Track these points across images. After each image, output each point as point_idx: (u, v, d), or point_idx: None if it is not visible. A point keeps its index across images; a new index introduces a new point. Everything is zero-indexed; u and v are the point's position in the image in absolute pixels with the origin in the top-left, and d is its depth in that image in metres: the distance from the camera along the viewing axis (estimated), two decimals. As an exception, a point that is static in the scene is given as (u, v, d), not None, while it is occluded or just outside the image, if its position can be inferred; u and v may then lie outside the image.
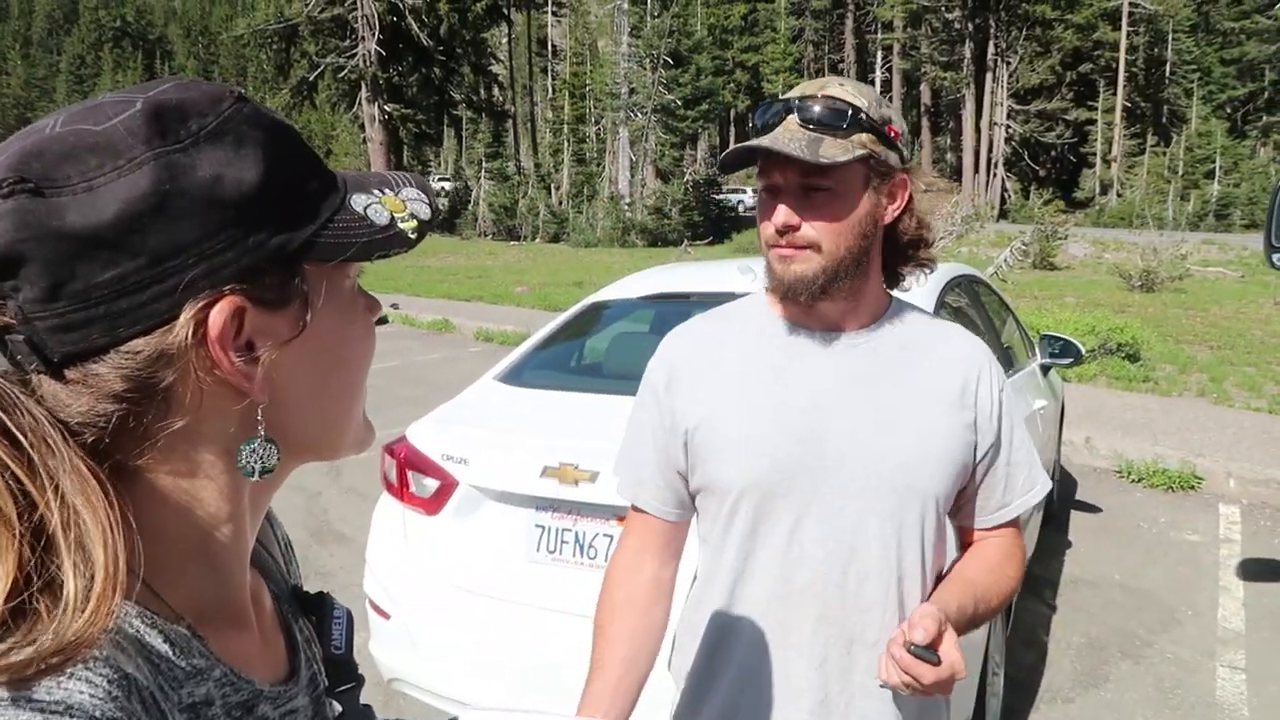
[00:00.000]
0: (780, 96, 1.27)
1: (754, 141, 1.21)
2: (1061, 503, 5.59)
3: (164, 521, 0.55)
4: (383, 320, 0.69)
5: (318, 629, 0.74)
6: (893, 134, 1.24)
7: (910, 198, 1.29)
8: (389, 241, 0.59)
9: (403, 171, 0.66)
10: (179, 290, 0.50)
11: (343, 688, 0.73)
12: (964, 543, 1.43)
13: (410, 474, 2.75)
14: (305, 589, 0.78)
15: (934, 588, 1.31)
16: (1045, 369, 4.72)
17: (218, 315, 0.51)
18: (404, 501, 2.78)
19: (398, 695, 3.00)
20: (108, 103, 0.53)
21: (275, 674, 0.65)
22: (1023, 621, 4.00)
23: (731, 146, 1.27)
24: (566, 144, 44.38)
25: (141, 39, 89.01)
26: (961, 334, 1.41)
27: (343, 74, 38.95)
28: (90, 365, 0.50)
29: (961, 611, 1.22)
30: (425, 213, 0.62)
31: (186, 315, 0.51)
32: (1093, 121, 47.29)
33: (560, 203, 39.92)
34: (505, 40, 53.16)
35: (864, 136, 1.21)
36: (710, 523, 1.34)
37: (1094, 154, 47.64)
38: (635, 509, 1.41)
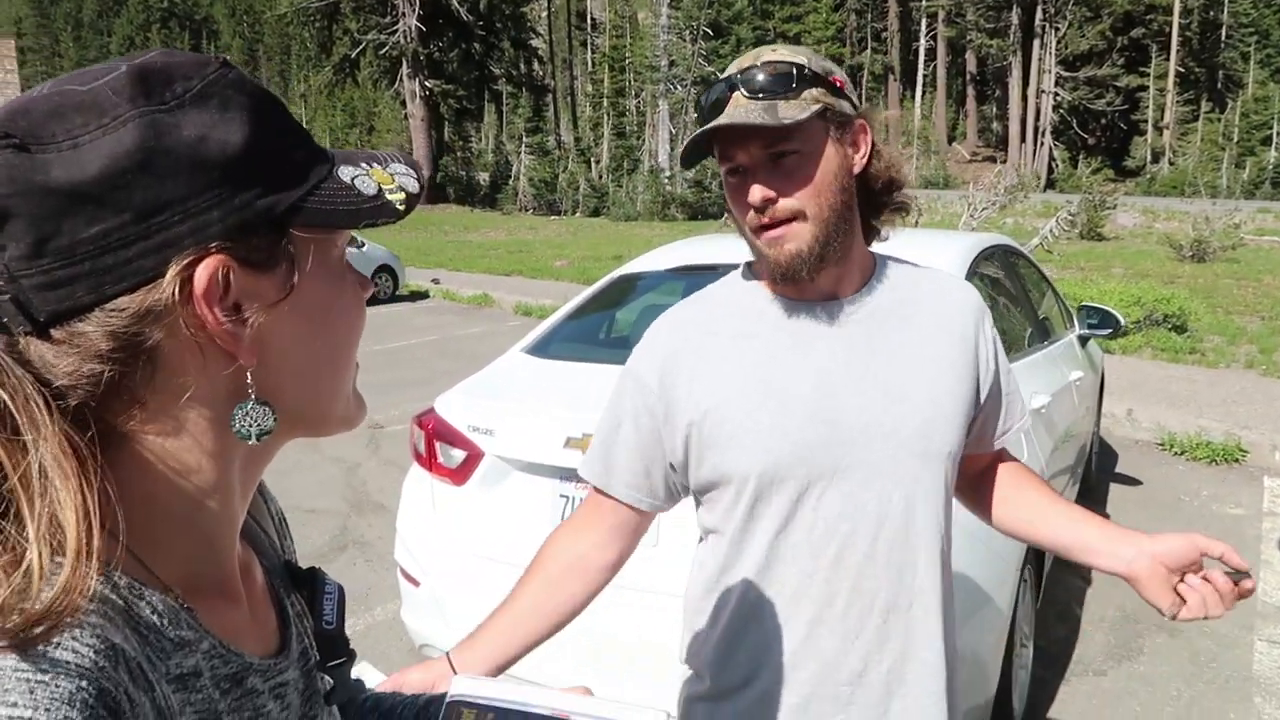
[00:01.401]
0: (720, 78, 1.24)
1: (711, 124, 1.18)
2: (1100, 474, 5.51)
3: (153, 489, 0.56)
4: (375, 299, 0.69)
5: (309, 604, 0.75)
6: (838, 84, 1.23)
7: (873, 143, 1.27)
8: (376, 211, 0.60)
9: (389, 150, 0.67)
10: (165, 247, 0.51)
11: (334, 662, 0.74)
12: (964, 472, 1.42)
13: (438, 445, 2.80)
14: (297, 563, 0.79)
15: (949, 547, 1.32)
16: (1084, 340, 4.65)
17: (203, 272, 0.52)
18: (432, 472, 2.82)
19: (428, 662, 3.06)
20: (96, 69, 0.54)
21: (266, 647, 0.66)
22: (1055, 594, 3.97)
23: (688, 139, 1.24)
24: (606, 117, 44.20)
25: (188, 19, 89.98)
26: (952, 281, 1.40)
27: (384, 51, 39.15)
28: (76, 324, 0.51)
29: None
30: (412, 186, 0.63)
31: (172, 272, 0.51)
32: (1144, 88, 46.05)
33: (600, 176, 39.85)
34: (545, 14, 52.97)
35: (814, 91, 1.19)
36: (724, 512, 1.29)
37: (1145, 121, 46.42)
38: (598, 490, 1.39)
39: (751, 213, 1.20)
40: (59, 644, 0.44)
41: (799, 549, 1.25)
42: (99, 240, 0.50)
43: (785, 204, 1.19)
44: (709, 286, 1.41)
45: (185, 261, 0.51)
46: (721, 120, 1.17)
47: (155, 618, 0.53)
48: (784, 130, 1.17)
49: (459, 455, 2.75)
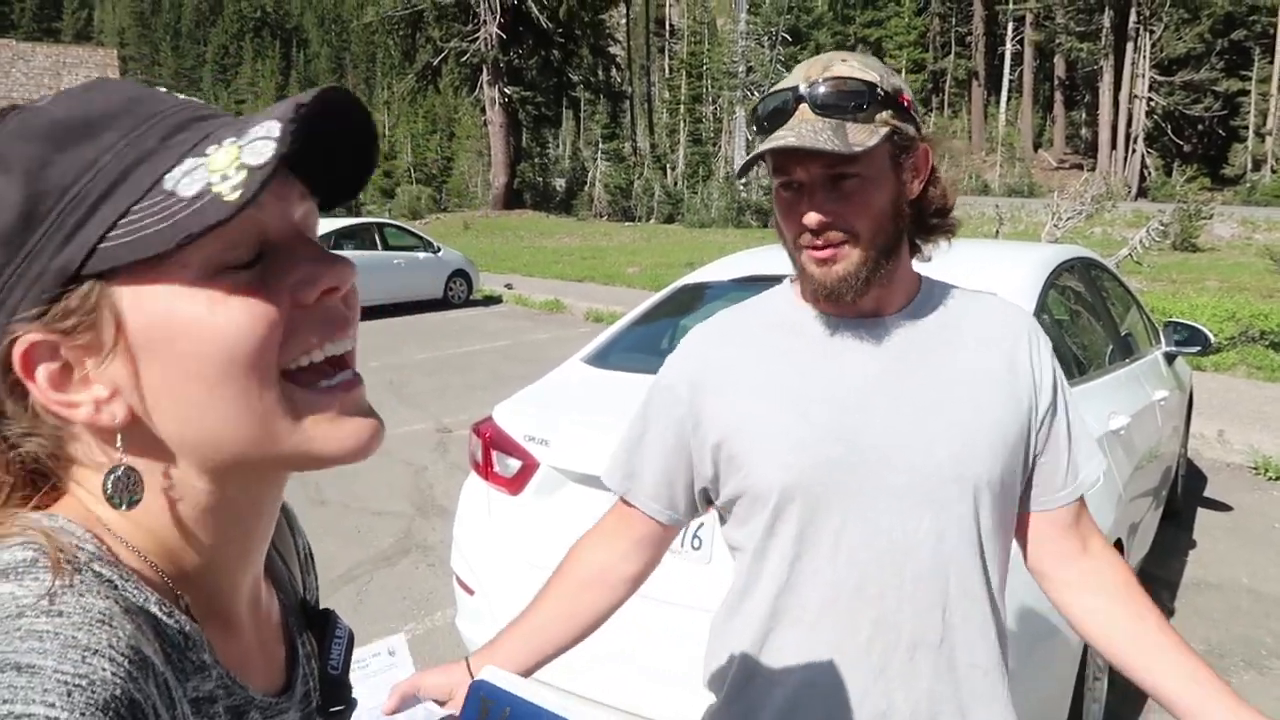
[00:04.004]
0: (781, 86, 1.18)
1: (778, 142, 1.13)
2: (1187, 498, 5.27)
3: (141, 517, 0.56)
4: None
5: (318, 646, 0.74)
6: (906, 104, 1.17)
7: (933, 167, 1.22)
8: (197, 218, 0.48)
9: (289, 100, 0.52)
10: None
11: (334, 709, 0.73)
12: (1028, 530, 1.31)
13: (495, 454, 2.80)
14: (313, 604, 0.78)
15: (993, 582, 1.23)
16: (1170, 358, 4.45)
17: (18, 356, 0.51)
18: (488, 480, 2.82)
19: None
20: None
21: (271, 684, 0.65)
22: (1135, 624, 3.79)
23: (751, 153, 1.19)
24: (683, 124, 44.24)
25: (279, 29, 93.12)
26: (1001, 303, 1.33)
27: (465, 58, 39.80)
28: None
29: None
30: (265, 154, 0.49)
31: None
32: (1245, 92, 44.24)
33: (675, 183, 39.89)
34: (624, 20, 53.31)
35: (884, 114, 1.14)
36: (747, 530, 1.26)
37: (1246, 127, 44.57)
38: (623, 501, 1.37)
39: (804, 233, 1.16)
40: (96, 650, 0.45)
41: (820, 575, 1.21)
42: None
43: (840, 226, 1.15)
44: (750, 299, 1.37)
45: (4, 346, 0.51)
46: (789, 141, 1.12)
47: (180, 638, 0.54)
48: (852, 156, 1.12)
49: (515, 464, 2.74)
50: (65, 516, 0.54)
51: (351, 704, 0.74)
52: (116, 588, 0.51)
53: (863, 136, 1.11)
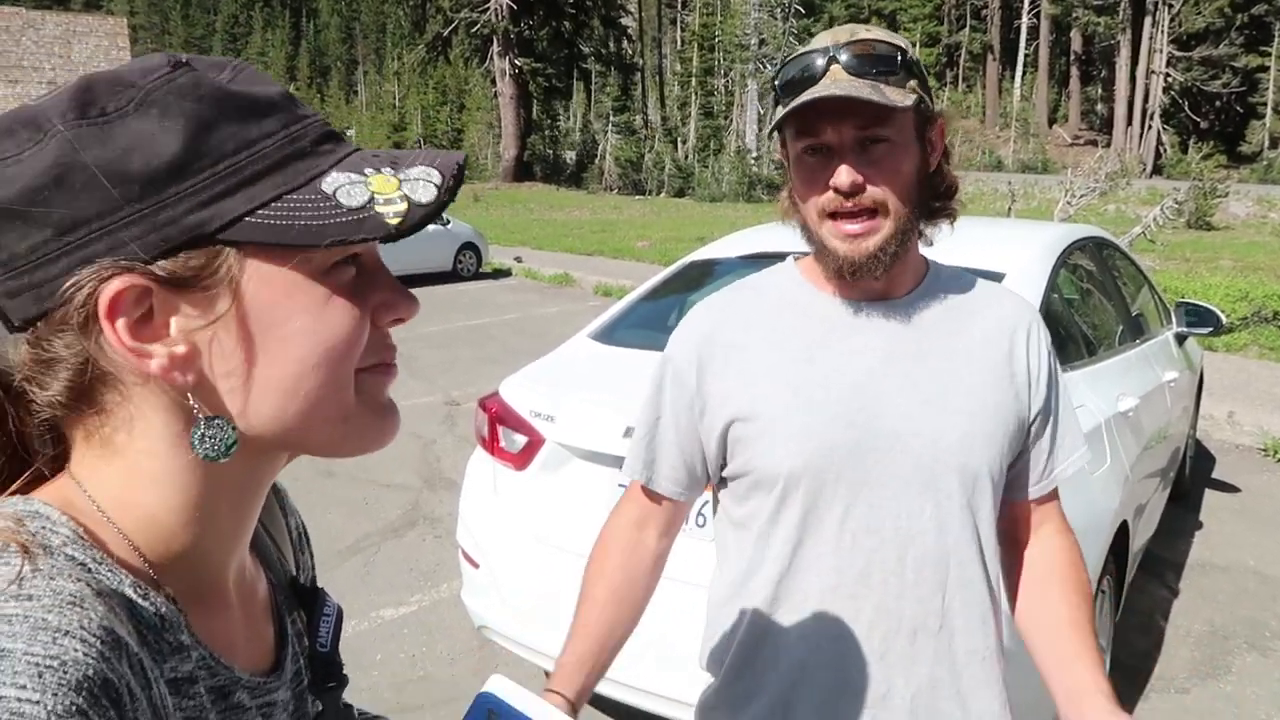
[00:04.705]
0: (808, 49, 1.16)
1: (821, 93, 1.09)
2: (1195, 480, 5.26)
3: (140, 496, 0.56)
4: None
5: (308, 624, 0.74)
6: (925, 77, 1.18)
7: (946, 145, 1.22)
8: (354, 226, 0.53)
9: (431, 149, 0.60)
10: (82, 264, 0.51)
11: (326, 686, 0.73)
12: (1007, 516, 1.32)
13: (500, 429, 2.80)
14: (306, 583, 0.78)
15: (990, 569, 1.23)
16: (1181, 338, 4.42)
17: (108, 291, 0.51)
18: (494, 455, 2.83)
19: (488, 643, 3.09)
20: (64, 84, 0.54)
21: (259, 663, 0.65)
22: (1138, 605, 3.80)
23: (779, 114, 1.16)
24: (694, 97, 43.92)
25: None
26: (1006, 294, 1.32)
27: (475, 29, 39.53)
28: (40, 331, 0.53)
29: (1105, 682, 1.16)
30: (424, 195, 0.55)
31: (76, 287, 0.51)
32: (1265, 68, 43.62)
33: (686, 157, 39.66)
34: (635, -8, 52.78)
35: (913, 81, 1.13)
36: (752, 510, 1.26)
37: (1264, 104, 43.99)
38: (644, 488, 1.36)
39: (829, 195, 1.13)
40: (68, 631, 0.45)
41: (823, 560, 1.21)
42: (29, 256, 0.51)
43: (872, 192, 1.12)
44: (752, 276, 1.35)
45: (93, 279, 0.51)
46: (832, 90, 1.08)
47: (156, 619, 0.54)
48: (887, 112, 1.10)
49: (520, 440, 2.75)
50: (42, 500, 0.54)
51: (343, 681, 0.74)
52: (90, 570, 0.51)
53: (897, 96, 1.10)
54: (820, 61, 1.13)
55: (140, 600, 0.53)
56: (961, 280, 1.30)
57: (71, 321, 0.51)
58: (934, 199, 1.22)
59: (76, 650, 0.45)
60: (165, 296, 0.53)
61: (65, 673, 0.44)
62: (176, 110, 0.52)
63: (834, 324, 1.23)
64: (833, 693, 1.21)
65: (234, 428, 0.56)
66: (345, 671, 0.75)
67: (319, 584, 0.79)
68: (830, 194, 1.13)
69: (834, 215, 1.15)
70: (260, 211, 0.53)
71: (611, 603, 1.31)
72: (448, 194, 0.56)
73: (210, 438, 0.55)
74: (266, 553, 0.73)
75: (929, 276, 1.27)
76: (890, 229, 1.14)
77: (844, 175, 1.11)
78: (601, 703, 2.72)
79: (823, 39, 1.16)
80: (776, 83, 1.19)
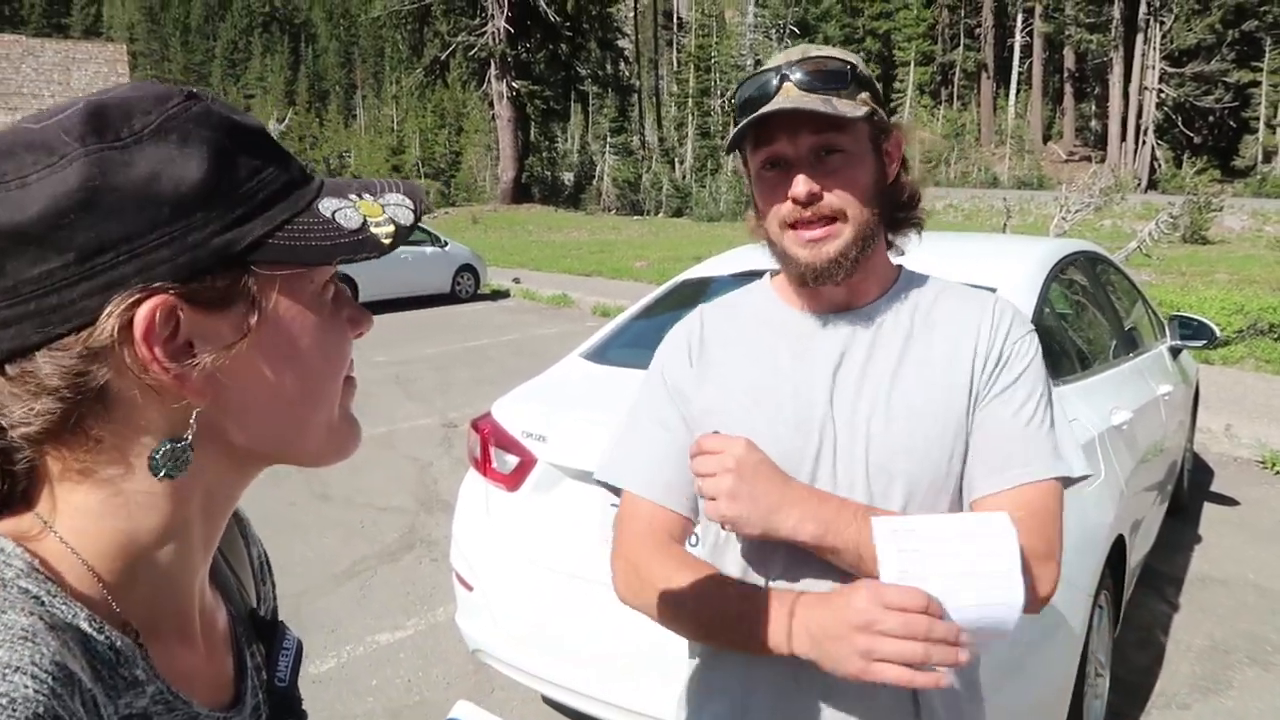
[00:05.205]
0: (761, 70, 1.20)
1: (771, 107, 1.13)
2: (1193, 493, 5.24)
3: (113, 525, 0.55)
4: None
5: (266, 657, 0.73)
6: (878, 92, 1.22)
7: (904, 156, 1.25)
8: (357, 246, 0.58)
9: (393, 179, 0.66)
10: (109, 288, 0.51)
11: None
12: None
13: (493, 450, 2.79)
14: (266, 615, 0.77)
15: None
16: (1175, 352, 4.42)
17: (144, 313, 0.51)
18: (486, 476, 2.82)
19: (484, 667, 3.07)
20: (55, 107, 0.54)
21: (218, 697, 0.65)
22: (1138, 620, 3.78)
23: (737, 126, 1.20)
24: (691, 117, 44.13)
25: (288, 23, 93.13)
26: (975, 295, 1.29)
27: (473, 52, 39.75)
28: (27, 363, 0.51)
29: None
30: (405, 218, 0.61)
31: (108, 312, 0.51)
32: (1256, 84, 43.89)
33: (684, 177, 39.81)
34: (631, 14, 53.21)
35: (864, 94, 1.18)
36: (707, 524, 1.27)
37: (1257, 119, 44.23)
38: (651, 503, 1.30)
39: (789, 206, 1.16)
40: (18, 667, 0.44)
41: (773, 566, 1.21)
42: (42, 281, 0.50)
43: (829, 201, 1.16)
44: (731, 294, 1.38)
45: (128, 302, 0.51)
46: (782, 104, 1.13)
47: (111, 654, 0.53)
48: (839, 122, 1.14)
49: (512, 461, 2.74)
50: None
51: (302, 716, 0.73)
52: (43, 604, 0.50)
53: (848, 108, 1.14)
54: (774, 80, 1.17)
55: (95, 634, 0.53)
56: (931, 287, 1.30)
57: (92, 346, 0.51)
58: (896, 209, 1.25)
59: (27, 687, 0.44)
60: (192, 318, 0.53)
61: (15, 710, 0.43)
62: (197, 138, 0.54)
63: (798, 335, 1.26)
64: (785, 690, 1.22)
65: (185, 464, 0.56)
66: (305, 707, 0.74)
67: (281, 617, 0.78)
68: (789, 205, 1.17)
69: (794, 225, 1.18)
70: (278, 234, 0.56)
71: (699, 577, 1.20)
72: (419, 217, 0.63)
73: (169, 456, 0.55)
74: (226, 584, 0.73)
75: (897, 284, 1.29)
76: (850, 234, 1.17)
77: (800, 185, 1.15)
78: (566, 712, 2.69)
79: (776, 59, 1.21)
80: (733, 101, 1.23)
